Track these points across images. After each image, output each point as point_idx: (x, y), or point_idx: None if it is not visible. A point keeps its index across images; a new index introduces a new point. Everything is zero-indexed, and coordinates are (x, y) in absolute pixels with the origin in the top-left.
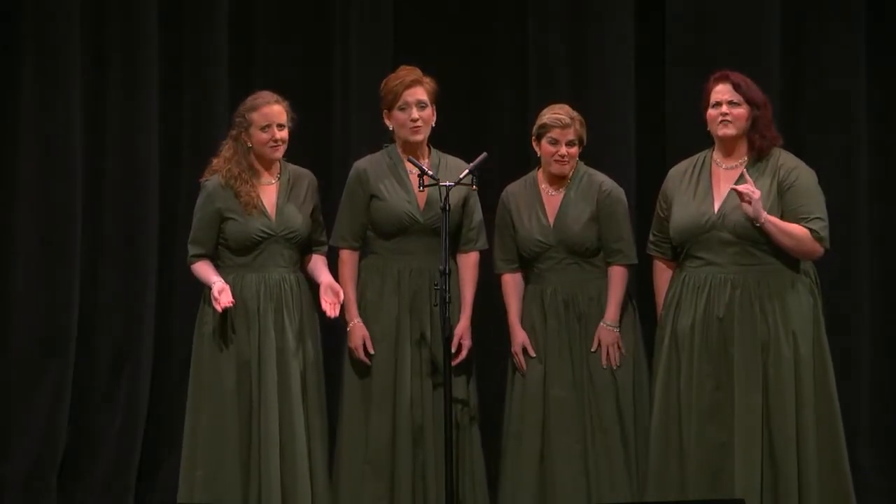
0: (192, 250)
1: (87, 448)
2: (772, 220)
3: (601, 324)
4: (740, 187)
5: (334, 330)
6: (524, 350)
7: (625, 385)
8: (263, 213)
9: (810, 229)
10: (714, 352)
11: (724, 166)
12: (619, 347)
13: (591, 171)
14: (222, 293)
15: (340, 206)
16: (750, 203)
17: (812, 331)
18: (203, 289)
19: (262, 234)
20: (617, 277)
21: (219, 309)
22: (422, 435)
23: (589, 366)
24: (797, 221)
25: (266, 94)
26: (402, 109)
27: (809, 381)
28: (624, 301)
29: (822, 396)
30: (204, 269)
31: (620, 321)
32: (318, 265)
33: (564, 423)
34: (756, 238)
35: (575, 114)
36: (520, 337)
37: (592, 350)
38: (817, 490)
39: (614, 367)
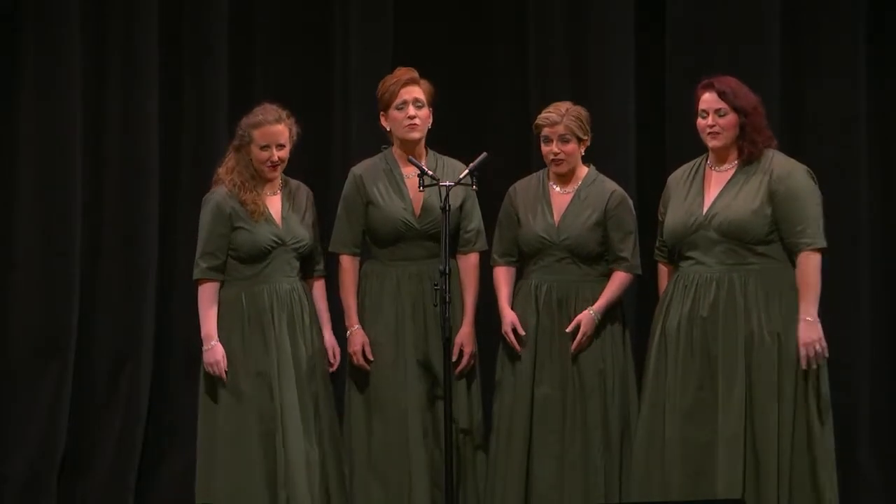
0: (205, 263)
1: (87, 448)
2: (806, 298)
3: (587, 309)
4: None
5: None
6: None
7: (613, 390)
8: (271, 221)
9: (801, 244)
10: (698, 351)
11: (717, 169)
12: (587, 337)
13: (603, 177)
14: (217, 366)
15: (339, 213)
16: (814, 353)
17: (796, 332)
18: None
19: (273, 243)
20: (617, 280)
21: (208, 371)
22: (429, 440)
23: (578, 366)
24: (791, 232)
25: (271, 111)
26: (399, 108)
27: (792, 384)
28: (616, 311)
29: (803, 400)
30: (209, 305)
31: (606, 326)
32: (319, 298)
33: (548, 422)
34: (742, 237)
35: (571, 109)
36: (509, 317)
37: (567, 330)
38: (792, 490)
39: (571, 350)
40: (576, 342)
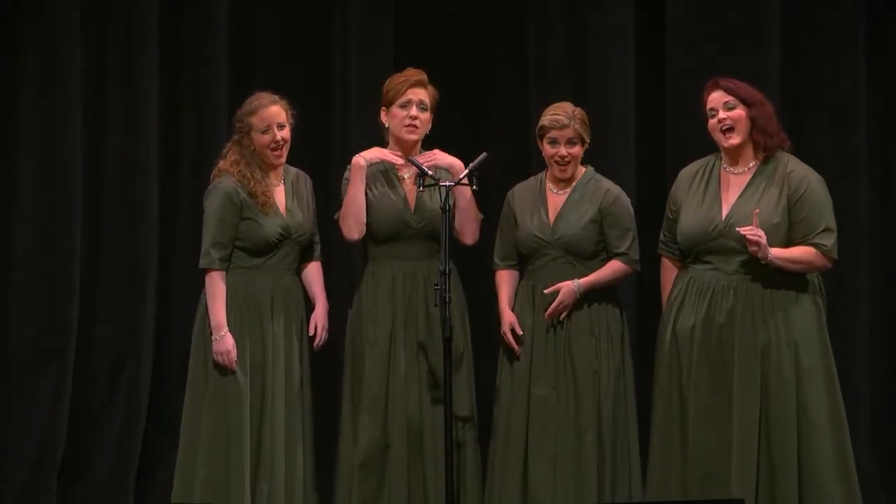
0: (214, 253)
1: (87, 448)
2: (779, 256)
3: (572, 280)
4: (746, 232)
5: (333, 334)
6: (513, 332)
7: (607, 391)
8: (278, 213)
9: (817, 244)
10: (712, 358)
11: (732, 171)
12: (564, 309)
13: (599, 177)
14: (227, 356)
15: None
16: (758, 247)
17: (816, 341)
18: (205, 288)
19: (280, 236)
20: (612, 266)
21: (217, 361)
22: (420, 440)
23: (573, 366)
24: (805, 233)
25: (264, 96)
26: (402, 106)
27: (813, 391)
28: (614, 310)
29: (827, 407)
30: (219, 295)
31: (603, 325)
32: (315, 281)
33: (543, 422)
34: None
35: (576, 112)
36: (508, 318)
37: (546, 292)
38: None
39: (545, 316)
40: (551, 309)
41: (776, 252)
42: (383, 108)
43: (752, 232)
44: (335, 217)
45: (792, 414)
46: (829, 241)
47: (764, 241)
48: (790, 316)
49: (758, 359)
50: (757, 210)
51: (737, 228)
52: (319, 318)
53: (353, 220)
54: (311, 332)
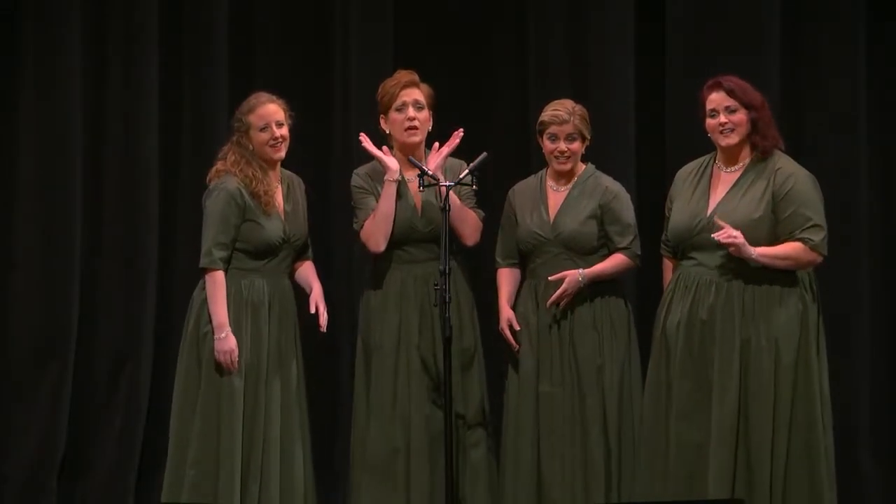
0: (216, 253)
1: (87, 448)
2: (764, 254)
3: (577, 269)
4: (719, 237)
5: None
6: (512, 328)
7: (612, 385)
8: (279, 217)
9: (804, 239)
10: (695, 353)
11: (725, 170)
12: (567, 297)
13: (600, 173)
14: (230, 355)
15: (357, 202)
16: (735, 248)
17: (798, 338)
18: (202, 289)
19: (281, 240)
20: (616, 258)
21: (220, 360)
22: (435, 444)
23: (577, 362)
24: (791, 229)
25: (261, 95)
26: (398, 110)
27: (789, 388)
28: (619, 304)
29: (801, 404)
30: (220, 295)
31: (606, 321)
32: (309, 273)
33: (551, 419)
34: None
35: (577, 108)
36: (506, 314)
37: (550, 279)
38: (790, 494)
39: (546, 304)
40: (554, 297)
41: (761, 250)
42: (381, 115)
43: (725, 235)
44: (356, 228)
45: (769, 411)
46: (818, 236)
47: (740, 240)
48: (772, 313)
49: (737, 355)
50: (716, 214)
51: (712, 235)
52: (318, 297)
53: (384, 236)
54: (312, 311)
